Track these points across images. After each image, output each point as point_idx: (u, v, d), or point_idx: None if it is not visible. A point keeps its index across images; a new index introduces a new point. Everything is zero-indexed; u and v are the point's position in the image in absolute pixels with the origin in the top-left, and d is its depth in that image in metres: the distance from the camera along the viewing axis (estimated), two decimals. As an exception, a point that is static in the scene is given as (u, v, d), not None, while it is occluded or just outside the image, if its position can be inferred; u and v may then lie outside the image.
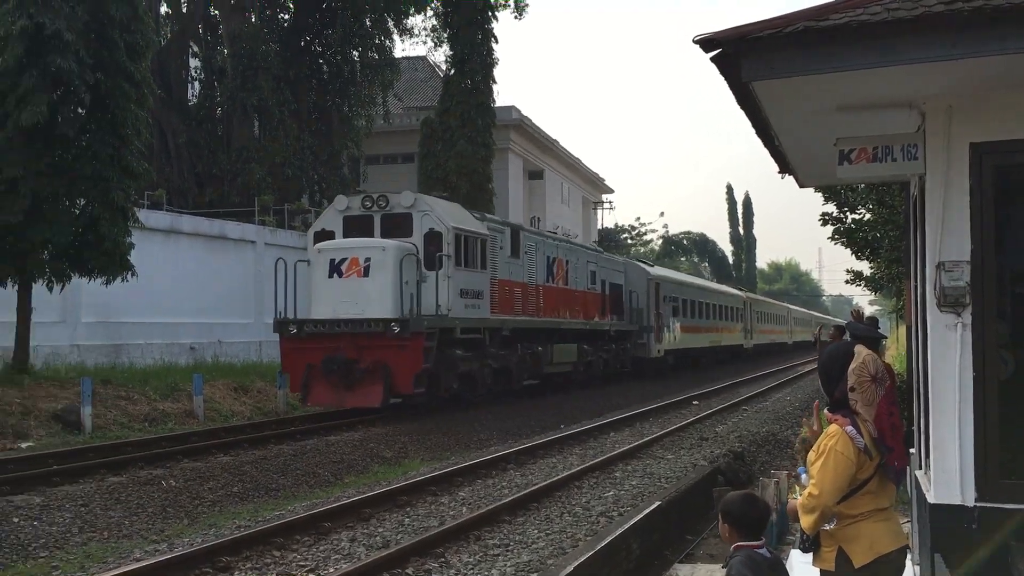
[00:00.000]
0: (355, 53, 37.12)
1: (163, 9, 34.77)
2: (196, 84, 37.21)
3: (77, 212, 17.14)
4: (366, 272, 17.13)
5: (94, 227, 16.96)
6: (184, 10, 36.49)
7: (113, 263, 17.39)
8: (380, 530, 9.20)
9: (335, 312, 17.09)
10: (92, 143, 16.95)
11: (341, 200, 19.26)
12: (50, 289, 17.56)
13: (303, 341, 17.19)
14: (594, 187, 60.64)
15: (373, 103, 38.18)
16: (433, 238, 18.04)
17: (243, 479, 12.03)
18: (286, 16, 38.06)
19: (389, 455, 14.63)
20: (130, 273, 17.74)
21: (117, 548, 8.77)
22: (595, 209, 60.65)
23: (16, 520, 9.24)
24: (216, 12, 36.40)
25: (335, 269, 17.40)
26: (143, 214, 20.91)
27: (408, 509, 10.27)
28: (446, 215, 18.60)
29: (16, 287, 17.28)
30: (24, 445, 14.17)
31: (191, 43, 36.45)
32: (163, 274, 22.85)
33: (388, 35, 38.44)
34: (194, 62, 37.21)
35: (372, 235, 18.13)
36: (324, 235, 18.50)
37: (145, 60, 18.07)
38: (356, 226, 18.39)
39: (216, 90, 35.76)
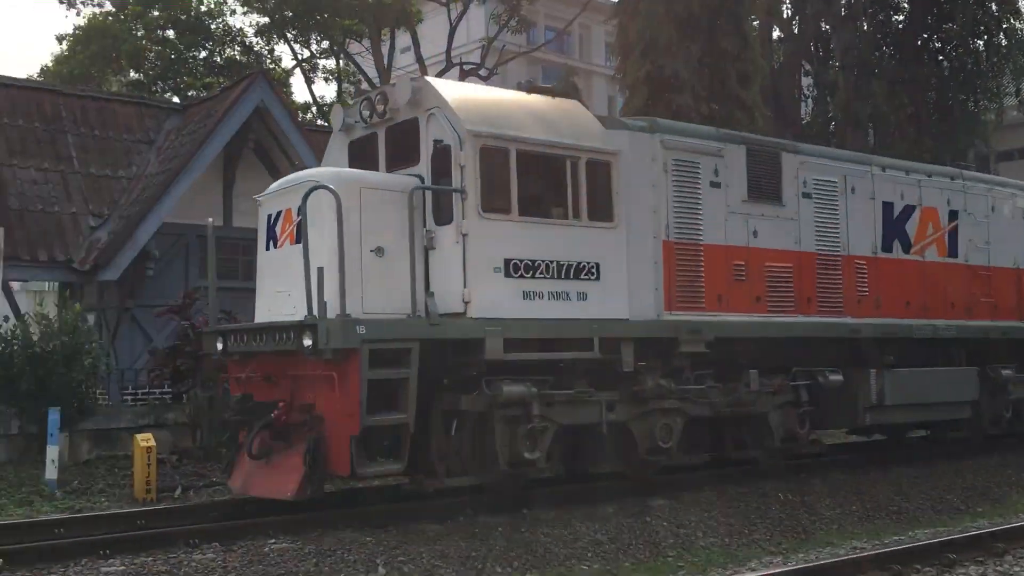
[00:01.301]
0: (980, 43, 34.07)
1: (775, 34, 35.83)
2: (809, 101, 37.58)
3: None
4: (299, 234, 9.24)
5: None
6: (795, 31, 37.17)
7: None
8: (1016, 569, 8.20)
9: (270, 311, 9.97)
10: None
11: (337, 114, 11.34)
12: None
13: (236, 365, 10.21)
14: None
15: (1003, 94, 34.60)
16: (440, 159, 9.80)
17: (862, 498, 11.67)
18: (900, 18, 36.50)
19: (1032, 485, 12.98)
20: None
21: (736, 555, 9.13)
22: None
23: (648, 519, 10.14)
24: (827, 27, 36.40)
25: (271, 233, 10.16)
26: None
27: (1053, 549, 8.99)
28: (471, 112, 9.76)
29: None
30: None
31: (803, 62, 36.92)
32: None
33: (1019, 16, 34.55)
34: (806, 80, 37.63)
35: (376, 165, 10.67)
36: None
37: (755, 85, 18.83)
38: (362, 154, 10.90)
39: (828, 105, 35.70)
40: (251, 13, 33.82)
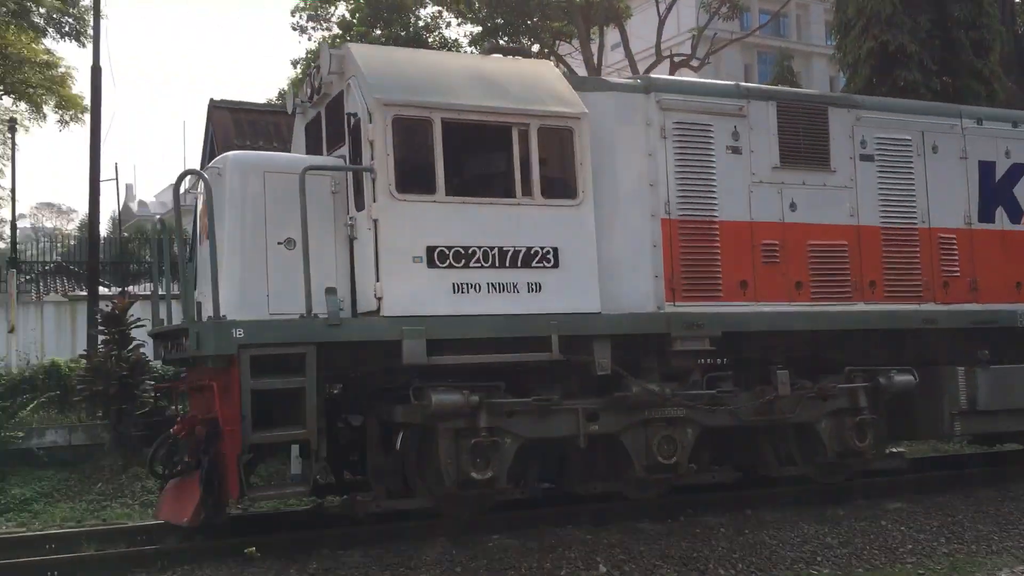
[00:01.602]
0: None
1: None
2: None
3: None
4: (208, 229, 8.29)
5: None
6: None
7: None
8: None
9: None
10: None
11: (290, 96, 10.53)
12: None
13: (191, 373, 9.27)
14: None
15: None
16: (355, 135, 8.54)
17: None
18: None
19: None
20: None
21: (984, 563, 8.51)
22: None
23: (884, 523, 9.59)
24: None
25: (195, 230, 9.24)
26: None
27: None
28: (385, 78, 8.47)
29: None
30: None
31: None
32: None
33: None
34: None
35: (321, 149, 9.56)
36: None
37: (993, 54, 17.42)
38: (314, 136, 9.82)
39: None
40: (465, 24, 35.00)
